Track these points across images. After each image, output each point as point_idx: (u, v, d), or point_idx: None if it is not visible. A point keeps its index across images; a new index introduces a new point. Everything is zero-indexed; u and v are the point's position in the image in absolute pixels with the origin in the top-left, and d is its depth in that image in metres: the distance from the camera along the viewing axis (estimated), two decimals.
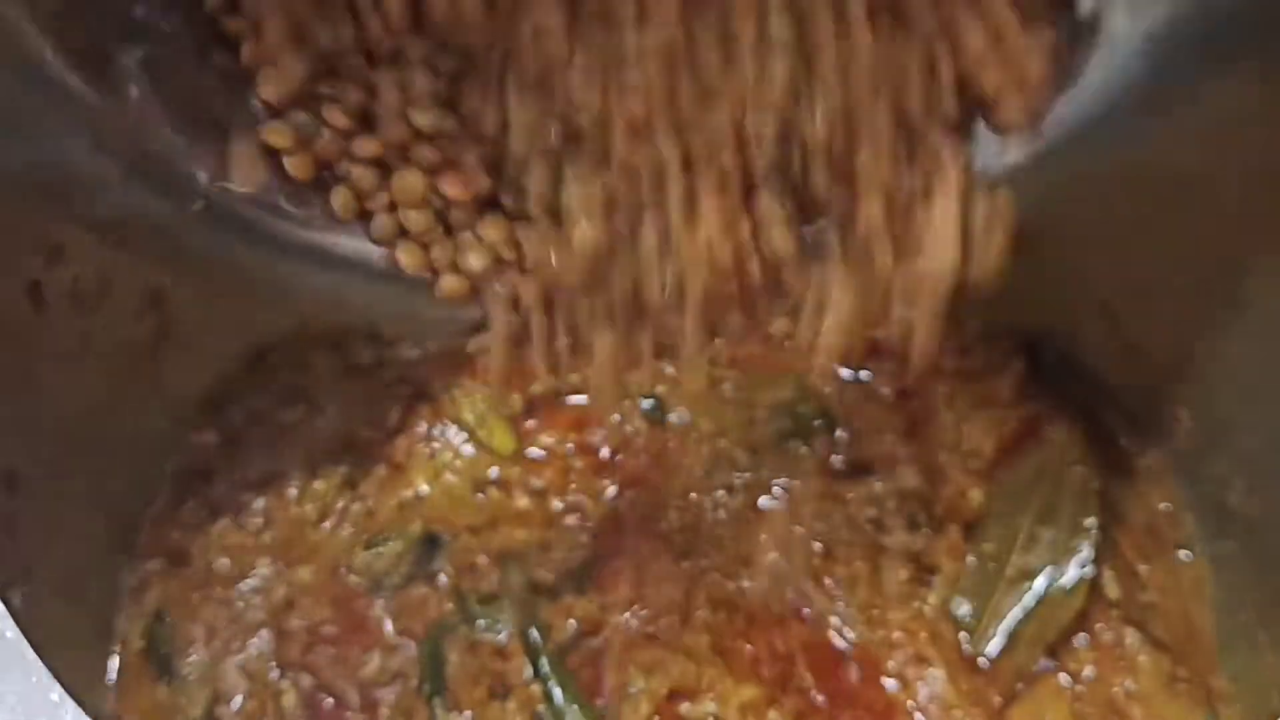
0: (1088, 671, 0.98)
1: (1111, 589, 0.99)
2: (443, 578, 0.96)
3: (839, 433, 1.03)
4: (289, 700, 0.93)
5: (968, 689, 0.93)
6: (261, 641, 0.96)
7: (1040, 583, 0.97)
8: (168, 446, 1.00)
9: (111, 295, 0.86)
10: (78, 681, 0.52)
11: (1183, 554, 0.98)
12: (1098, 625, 0.99)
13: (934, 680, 0.93)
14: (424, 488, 1.01)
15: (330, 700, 0.93)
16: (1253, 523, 0.93)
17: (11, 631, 0.50)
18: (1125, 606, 0.99)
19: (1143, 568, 0.99)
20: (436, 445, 1.02)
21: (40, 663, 0.49)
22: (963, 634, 0.95)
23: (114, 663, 0.94)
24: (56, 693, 0.48)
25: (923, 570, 0.97)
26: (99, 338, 0.87)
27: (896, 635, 0.94)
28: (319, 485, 1.00)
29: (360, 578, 0.97)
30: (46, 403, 0.82)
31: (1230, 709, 0.94)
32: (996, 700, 0.93)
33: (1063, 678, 0.98)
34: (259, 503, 1.00)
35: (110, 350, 0.89)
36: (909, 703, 0.92)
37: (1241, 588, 0.95)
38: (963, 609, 0.97)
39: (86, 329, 0.85)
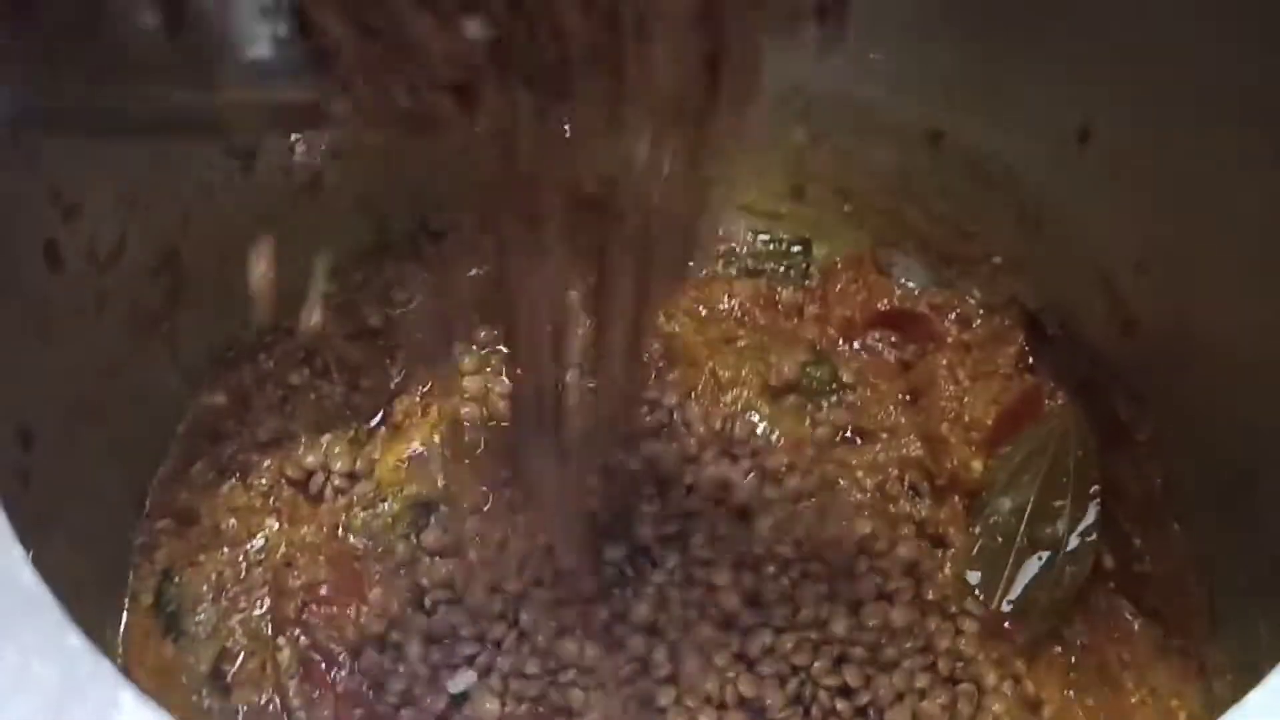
0: (1081, 641, 1.00)
1: (1107, 559, 1.00)
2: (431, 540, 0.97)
3: (847, 397, 1.04)
4: (285, 657, 0.95)
5: (989, 649, 0.94)
6: (262, 600, 0.97)
7: (1049, 553, 0.99)
8: (179, 407, 1.00)
9: (127, 254, 0.87)
10: (90, 634, 0.53)
11: (1178, 526, 0.99)
12: (1092, 595, 1.01)
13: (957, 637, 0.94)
14: (419, 448, 1.02)
15: (321, 660, 0.94)
16: (1248, 495, 0.94)
17: (28, 578, 0.51)
18: (1120, 577, 1.00)
19: (1138, 539, 1.00)
20: (436, 406, 1.03)
21: (57, 609, 0.50)
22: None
23: (123, 619, 0.95)
24: (74, 638, 0.49)
25: (931, 542, 0.98)
26: (113, 297, 0.87)
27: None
28: (324, 445, 1.01)
29: (359, 538, 0.99)
30: (61, 361, 0.83)
31: (1223, 680, 0.96)
32: (1019, 664, 0.94)
33: (1056, 647, 0.99)
34: (266, 463, 1.01)
35: (124, 310, 0.90)
36: None
37: (1236, 561, 0.95)
38: (975, 579, 0.99)
39: (102, 288, 0.86)
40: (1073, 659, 0.99)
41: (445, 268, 1.07)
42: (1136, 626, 1.00)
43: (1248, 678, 0.92)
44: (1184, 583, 0.98)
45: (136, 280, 0.90)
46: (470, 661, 0.90)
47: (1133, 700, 0.98)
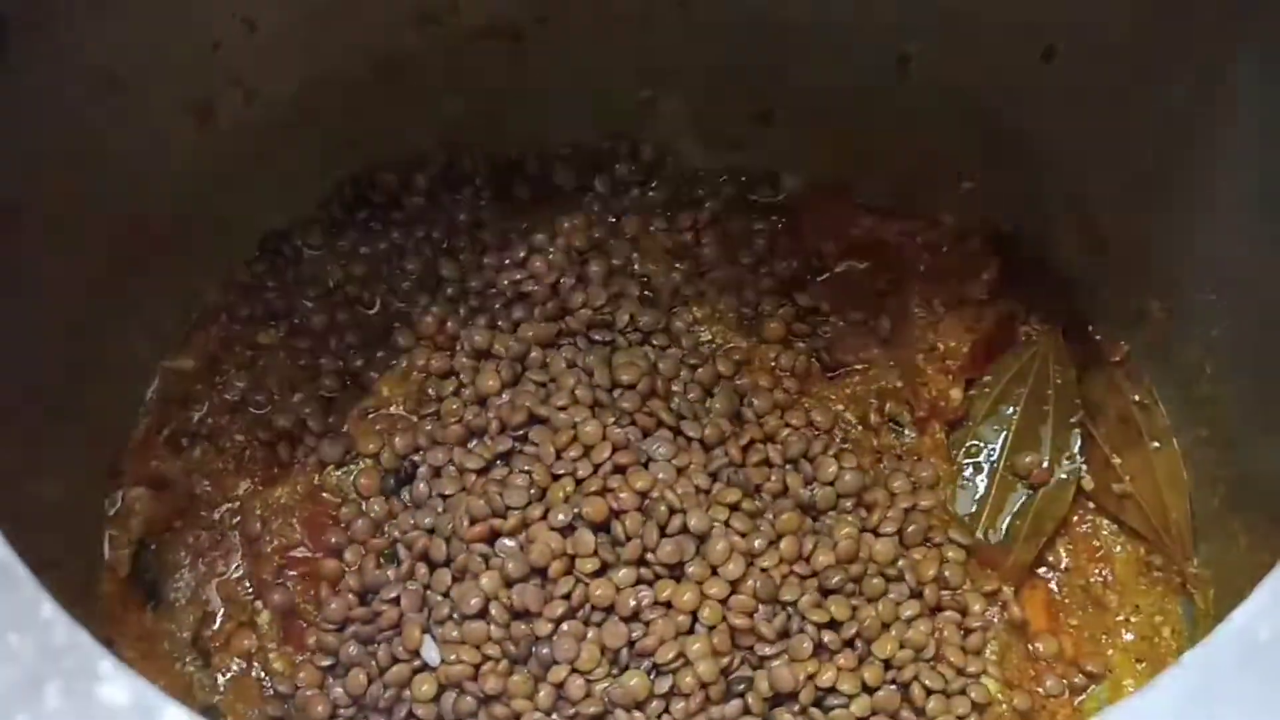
0: (1064, 563, 1.00)
1: (1086, 481, 1.00)
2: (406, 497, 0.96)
3: (822, 329, 1.04)
4: (264, 620, 0.94)
5: (975, 577, 0.94)
6: (240, 564, 0.96)
7: (1032, 482, 0.99)
8: (146, 372, 0.99)
9: (86, 217, 0.85)
10: (68, 607, 0.52)
11: (1155, 444, 0.99)
12: (1073, 517, 1.01)
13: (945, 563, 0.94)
14: (389, 403, 1.00)
15: (301, 621, 0.94)
16: (1222, 409, 0.94)
17: (1, 550, 0.50)
18: (1100, 498, 1.00)
19: (1117, 459, 1.00)
20: (404, 360, 1.02)
21: (31, 580, 0.49)
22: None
23: (101, 589, 0.94)
24: (49, 608, 0.48)
25: (914, 479, 0.97)
26: (76, 259, 0.86)
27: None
28: (296, 405, 1.00)
29: (333, 496, 0.98)
30: (27, 324, 0.82)
31: (1204, 594, 0.96)
32: (1005, 591, 0.94)
33: (1040, 571, 1.00)
34: (238, 426, 1.00)
35: (87, 274, 0.88)
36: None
37: (1213, 475, 0.96)
38: (959, 508, 0.99)
39: (64, 249, 0.84)
40: (1056, 582, 1.00)
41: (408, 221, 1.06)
42: (1118, 546, 1.00)
43: (1229, 591, 0.94)
44: (1163, 500, 0.98)
45: (98, 242, 0.88)
46: (443, 623, 0.89)
47: (1117, 619, 0.98)
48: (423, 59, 1.00)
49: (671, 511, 0.89)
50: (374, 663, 0.90)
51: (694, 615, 0.88)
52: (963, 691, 0.90)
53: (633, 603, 0.88)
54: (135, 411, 0.99)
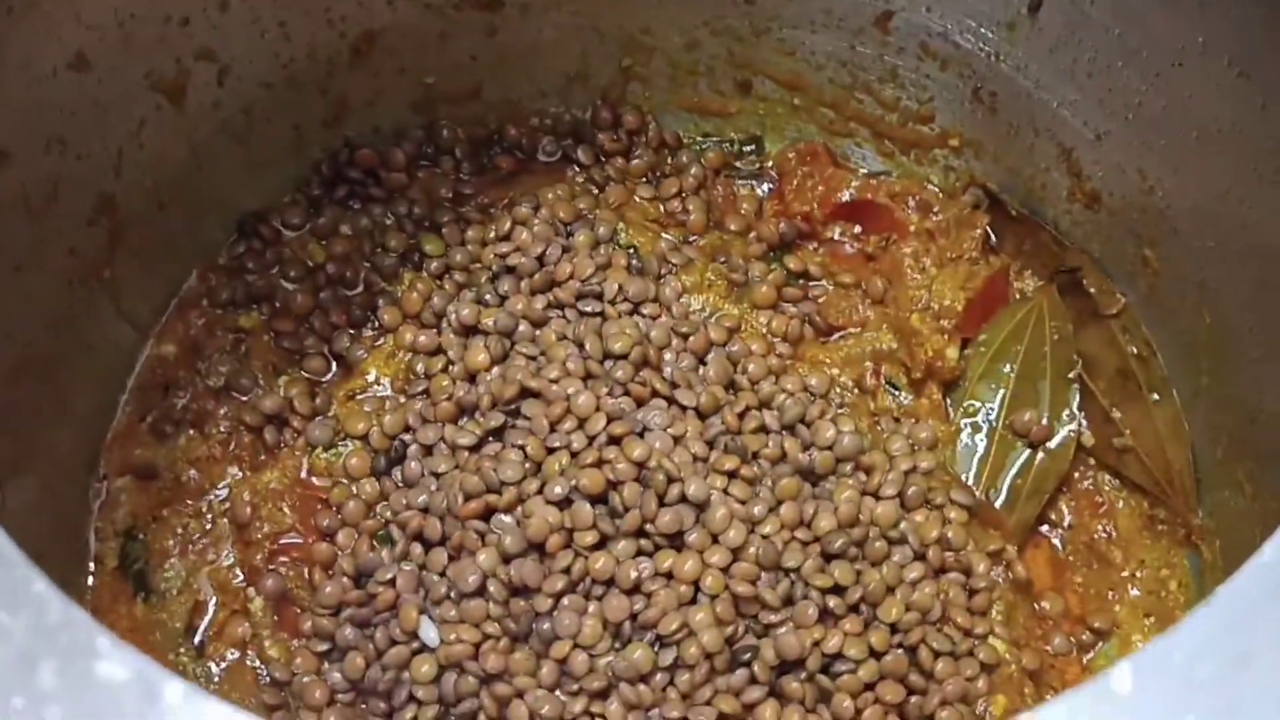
0: (1067, 520, 0.99)
1: (1086, 436, 0.99)
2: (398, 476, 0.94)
3: (813, 292, 1.02)
4: (257, 607, 0.92)
5: (978, 537, 0.93)
6: (230, 551, 0.94)
7: (1032, 440, 0.98)
8: (128, 359, 0.97)
9: (60, 200, 0.83)
10: None
11: (1155, 396, 0.98)
12: (1074, 474, 1.00)
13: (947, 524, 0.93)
14: (375, 383, 0.99)
15: (294, 607, 0.92)
16: (1223, 356, 0.93)
17: None
18: (1101, 453, 0.99)
19: (1116, 413, 0.99)
20: (390, 337, 1.00)
21: (21, 557, 0.47)
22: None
23: (89, 582, 0.93)
24: (40, 585, 0.46)
25: (912, 440, 0.96)
26: (52, 246, 0.84)
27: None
28: (281, 388, 0.98)
29: (323, 479, 0.96)
30: (4, 315, 0.80)
31: (1211, 546, 0.95)
32: (1008, 550, 0.93)
33: (1043, 529, 0.98)
34: (223, 411, 0.98)
35: (63, 259, 0.86)
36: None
37: (1216, 424, 0.95)
38: (959, 469, 0.97)
39: (39, 236, 0.83)
40: (1060, 539, 0.98)
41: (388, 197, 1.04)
42: (1120, 501, 0.99)
43: (1236, 541, 0.92)
44: (1165, 452, 0.97)
45: (74, 228, 0.87)
46: (440, 603, 0.87)
47: (1123, 574, 0.97)
48: (398, 32, 0.99)
49: (669, 480, 0.88)
50: (371, 646, 0.88)
51: (696, 585, 0.86)
52: (970, 653, 0.89)
53: (633, 574, 0.86)
54: (115, 400, 0.97)
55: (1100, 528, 0.98)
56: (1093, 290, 1.00)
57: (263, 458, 0.97)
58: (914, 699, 0.87)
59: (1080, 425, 0.99)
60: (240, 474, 0.97)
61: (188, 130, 0.93)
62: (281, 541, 0.94)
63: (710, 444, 0.91)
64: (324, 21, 0.96)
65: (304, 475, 0.96)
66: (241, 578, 0.94)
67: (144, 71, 0.87)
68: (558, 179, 1.06)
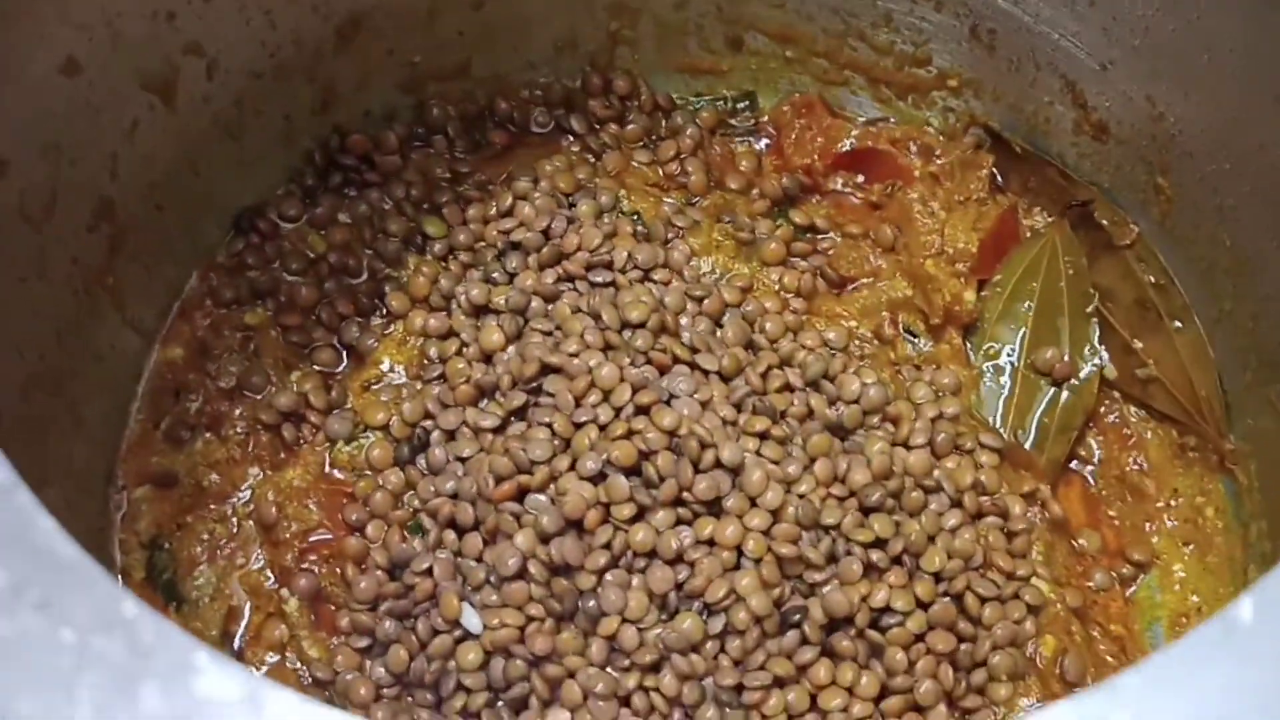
0: (1097, 455, 0.98)
1: (1109, 369, 0.99)
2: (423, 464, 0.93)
3: (822, 245, 1.01)
4: (292, 608, 0.91)
5: (1010, 479, 0.93)
6: (259, 553, 0.93)
7: (1056, 378, 0.98)
8: (136, 365, 0.95)
9: (59, 208, 0.81)
10: None
11: (1176, 324, 0.97)
12: (1100, 408, 0.99)
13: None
14: (389, 370, 0.97)
15: (330, 605, 0.90)
16: (1246, 278, 0.92)
17: (68, 550, 0.46)
18: (1125, 385, 0.99)
19: (1138, 344, 0.98)
20: (400, 324, 0.98)
21: (105, 578, 0.46)
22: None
23: None
24: (131, 606, 0.45)
25: (936, 387, 0.95)
26: (54, 255, 0.82)
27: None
28: (295, 384, 0.96)
29: (346, 473, 0.94)
30: (10, 332, 0.78)
31: (1245, 469, 0.95)
32: (1042, 490, 0.93)
33: (1074, 466, 0.98)
34: (238, 411, 0.96)
35: (66, 268, 0.84)
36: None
37: (1241, 348, 0.94)
38: (986, 411, 0.97)
39: (41, 245, 0.80)
40: (1091, 475, 0.98)
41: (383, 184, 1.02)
42: (1149, 432, 0.99)
43: (1272, 462, 0.92)
44: (1191, 380, 0.96)
45: (74, 235, 0.85)
46: (480, 588, 0.86)
47: (1158, 505, 0.97)
48: (384, 11, 0.97)
49: (703, 446, 0.86)
50: (413, 637, 0.86)
51: (739, 550, 0.85)
52: (1016, 596, 0.89)
53: (675, 544, 0.85)
54: (128, 408, 0.95)
55: (1131, 460, 0.98)
56: (1105, 222, 0.99)
57: (283, 456, 0.95)
58: (964, 646, 0.86)
59: (1102, 359, 0.98)
60: (262, 474, 0.95)
61: (180, 128, 0.91)
62: (311, 539, 0.92)
63: (738, 406, 0.90)
64: (309, 7, 0.94)
65: (327, 470, 0.94)
66: (273, 579, 0.92)
67: (134, 70, 0.85)
68: (553, 150, 1.04)
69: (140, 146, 0.88)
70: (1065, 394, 0.97)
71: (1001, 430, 0.96)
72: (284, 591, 0.91)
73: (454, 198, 1.02)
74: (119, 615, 0.45)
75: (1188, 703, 0.46)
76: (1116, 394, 0.99)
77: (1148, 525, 0.96)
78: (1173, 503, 0.96)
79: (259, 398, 0.96)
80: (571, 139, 1.06)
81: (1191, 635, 0.47)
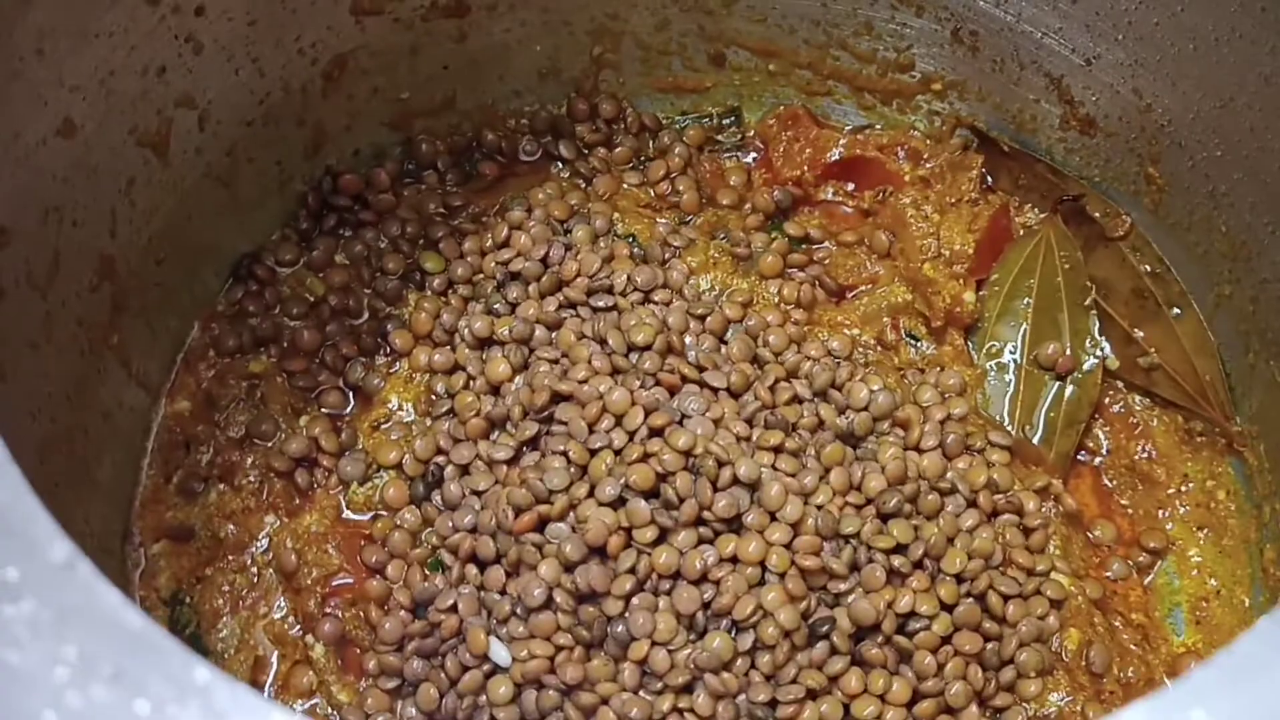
0: (1105, 446, 0.99)
1: (1111, 360, 0.99)
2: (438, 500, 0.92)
3: (818, 255, 1.02)
4: (318, 654, 0.90)
5: (1022, 474, 0.93)
6: (281, 600, 0.92)
7: (1059, 372, 0.98)
8: (145, 421, 0.95)
9: (63, 270, 0.81)
10: None
11: (1175, 311, 0.98)
12: (1104, 399, 1.00)
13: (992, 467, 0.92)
14: (397, 409, 0.97)
15: (355, 648, 0.90)
16: (1243, 262, 0.93)
17: (136, 620, 0.46)
18: (1128, 374, 0.99)
19: (1138, 333, 0.99)
20: (405, 361, 0.98)
21: (177, 647, 0.45)
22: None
23: None
24: (203, 671, 0.45)
25: (942, 389, 0.96)
26: (60, 318, 0.82)
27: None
28: (304, 429, 0.96)
29: (363, 514, 0.94)
30: (25, 394, 0.78)
31: (1254, 450, 0.96)
32: (1054, 484, 0.93)
33: (1082, 458, 0.98)
34: (250, 460, 0.95)
35: (72, 329, 0.84)
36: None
37: (1242, 331, 0.95)
38: (993, 410, 0.97)
39: (47, 310, 0.80)
40: (1101, 466, 0.99)
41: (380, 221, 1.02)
42: (1155, 419, 0.99)
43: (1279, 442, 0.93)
44: (1193, 365, 0.97)
45: (78, 296, 0.84)
46: (506, 620, 0.86)
47: (1168, 492, 0.97)
48: (369, 51, 0.97)
49: (720, 464, 0.87)
50: (443, 675, 0.86)
51: (762, 565, 0.85)
52: (1038, 591, 0.89)
53: (699, 564, 0.85)
54: (140, 465, 0.95)
55: (1139, 449, 0.98)
56: (1097, 215, 1.00)
57: (298, 502, 0.95)
58: (990, 645, 0.87)
59: (1104, 350, 0.99)
60: (278, 521, 0.94)
61: (175, 181, 0.91)
62: (333, 584, 0.92)
63: (750, 421, 0.90)
64: (295, 51, 0.94)
65: (343, 513, 0.94)
66: (298, 627, 0.92)
67: (128, 128, 0.85)
68: (544, 178, 1.05)
69: (138, 202, 0.88)
70: (1070, 387, 0.98)
71: (1009, 428, 0.97)
72: (309, 638, 0.91)
73: (449, 232, 1.02)
74: (192, 682, 0.45)
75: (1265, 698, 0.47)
76: (1120, 384, 1.00)
77: (1161, 512, 0.96)
78: (1184, 488, 0.97)
79: (269, 445, 0.96)
80: (560, 165, 1.06)
81: (1260, 626, 0.48)
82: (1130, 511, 0.97)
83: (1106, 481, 0.98)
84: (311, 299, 1.00)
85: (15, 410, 0.77)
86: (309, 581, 0.92)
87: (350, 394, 0.98)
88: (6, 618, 0.49)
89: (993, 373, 0.99)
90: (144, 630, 0.46)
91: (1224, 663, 0.48)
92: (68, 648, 0.48)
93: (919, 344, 0.99)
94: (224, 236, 0.98)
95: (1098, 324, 0.99)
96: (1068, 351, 0.98)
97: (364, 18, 0.95)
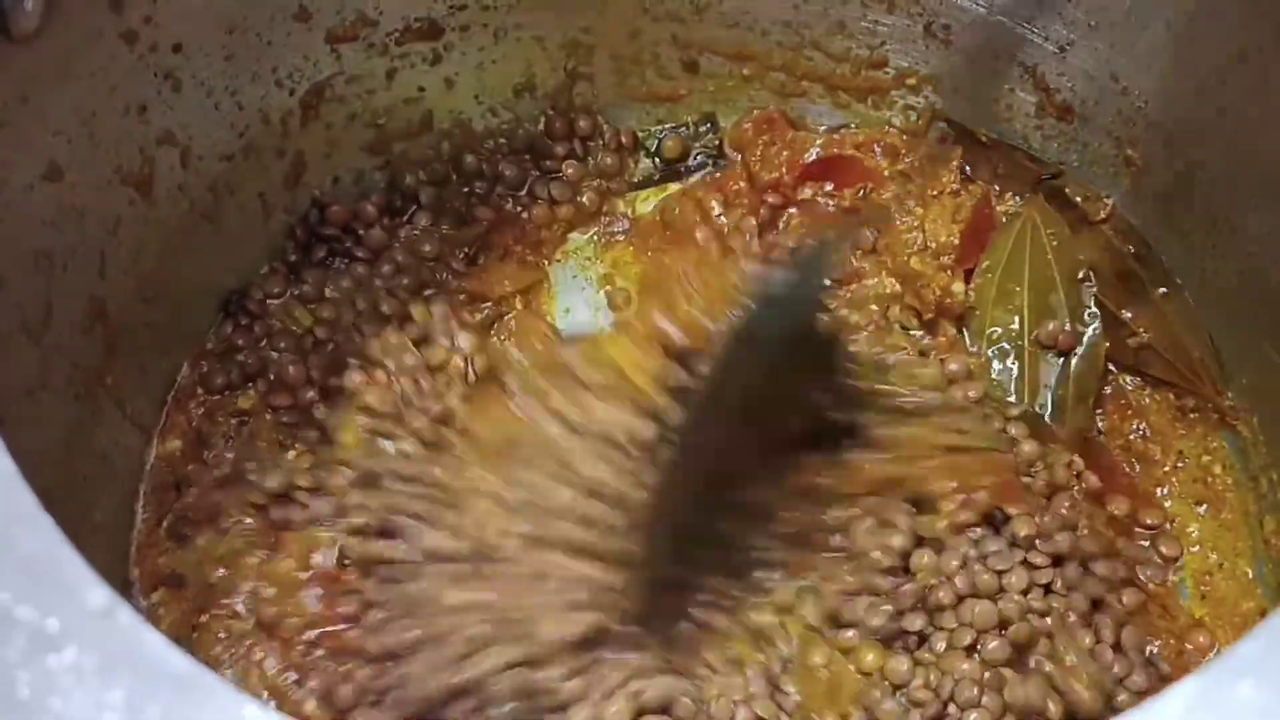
0: (1099, 426, 1.00)
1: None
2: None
3: None
4: (311, 709, 0.86)
5: (1046, 449, 0.93)
6: (271, 650, 0.89)
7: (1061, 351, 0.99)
8: (139, 462, 0.94)
9: (56, 316, 0.80)
10: None
11: (1162, 290, 0.99)
12: None
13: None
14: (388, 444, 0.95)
15: (345, 692, 0.86)
16: (1225, 236, 0.94)
17: (184, 662, 0.45)
18: (1119, 355, 1.00)
19: (1126, 314, 0.99)
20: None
21: (228, 690, 0.45)
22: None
23: None
24: (252, 710, 0.44)
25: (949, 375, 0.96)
26: (54, 363, 0.81)
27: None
28: (286, 464, 0.95)
29: (344, 555, 0.90)
30: (24, 442, 0.76)
31: (1248, 423, 0.96)
32: (1078, 461, 0.94)
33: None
34: (232, 500, 0.93)
35: (66, 374, 0.83)
36: None
37: (1230, 307, 0.96)
38: (1001, 394, 0.98)
39: (41, 355, 0.80)
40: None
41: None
42: (1147, 398, 1.00)
43: (1273, 413, 0.94)
44: (1183, 344, 0.98)
45: (71, 340, 0.83)
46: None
47: (1164, 469, 0.98)
48: (345, 78, 0.97)
49: None
50: None
51: None
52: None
53: None
54: (133, 509, 0.93)
55: (1133, 428, 0.99)
56: (1078, 200, 1.01)
57: (274, 540, 0.91)
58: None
59: (1101, 326, 0.99)
60: (259, 563, 0.90)
61: (160, 219, 0.90)
62: (314, 632, 0.88)
63: None
64: (272, 83, 0.93)
65: (322, 556, 0.90)
66: (293, 677, 0.88)
67: (113, 168, 0.84)
68: (529, 202, 1.05)
69: (125, 242, 0.87)
70: (1075, 362, 0.98)
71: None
72: (300, 691, 0.87)
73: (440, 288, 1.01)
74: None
75: None
76: (1111, 365, 1.00)
77: (1158, 490, 0.97)
78: (1179, 465, 0.98)
79: (253, 482, 0.93)
80: (542, 184, 1.06)
81: None
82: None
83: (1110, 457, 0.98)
84: (299, 331, 0.99)
85: (17, 460, 0.76)
86: (290, 632, 0.88)
87: (317, 433, 0.95)
88: (51, 668, 0.49)
89: (996, 358, 0.99)
90: (190, 672, 0.46)
91: (1269, 631, 0.49)
92: (114, 693, 0.48)
93: (914, 336, 0.99)
94: (212, 273, 0.97)
95: (1094, 297, 0.99)
96: (1066, 328, 0.98)
97: (339, 45, 0.95)
